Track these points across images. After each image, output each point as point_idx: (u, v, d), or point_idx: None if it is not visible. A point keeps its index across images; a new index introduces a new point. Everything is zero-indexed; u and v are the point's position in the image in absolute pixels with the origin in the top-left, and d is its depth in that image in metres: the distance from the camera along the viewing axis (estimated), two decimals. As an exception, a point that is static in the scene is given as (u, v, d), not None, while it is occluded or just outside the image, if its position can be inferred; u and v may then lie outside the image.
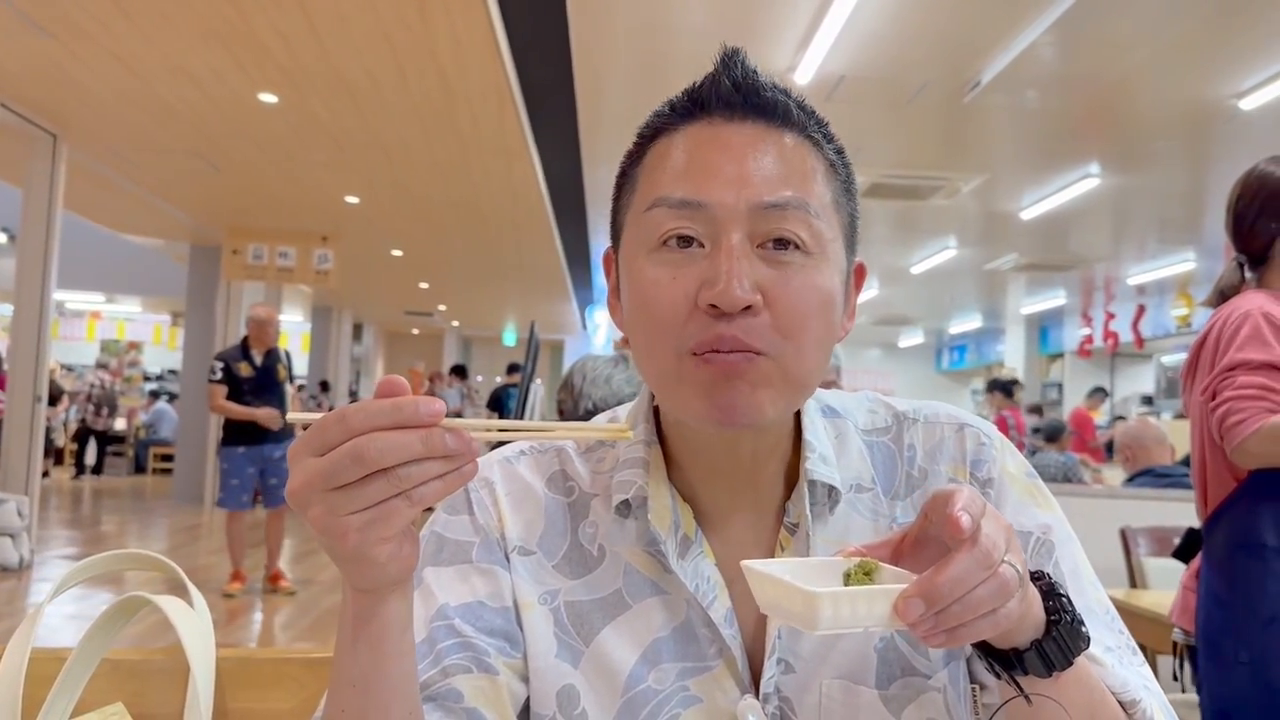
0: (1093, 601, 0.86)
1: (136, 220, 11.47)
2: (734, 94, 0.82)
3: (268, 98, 6.71)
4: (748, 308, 0.77)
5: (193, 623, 1.11)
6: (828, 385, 2.73)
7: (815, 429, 0.90)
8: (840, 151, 0.86)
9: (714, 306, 0.77)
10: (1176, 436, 4.81)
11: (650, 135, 0.86)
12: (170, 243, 12.78)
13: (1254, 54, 5.58)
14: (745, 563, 0.70)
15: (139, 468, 16.13)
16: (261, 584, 6.86)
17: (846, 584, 0.69)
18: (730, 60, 0.84)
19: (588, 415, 2.66)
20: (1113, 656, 0.83)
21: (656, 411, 0.92)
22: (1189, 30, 5.30)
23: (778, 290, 0.79)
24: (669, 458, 0.90)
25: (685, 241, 0.80)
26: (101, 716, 1.11)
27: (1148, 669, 0.87)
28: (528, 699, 0.87)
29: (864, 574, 0.69)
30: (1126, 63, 5.78)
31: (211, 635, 1.18)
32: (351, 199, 9.61)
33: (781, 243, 0.79)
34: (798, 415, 0.90)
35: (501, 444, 0.92)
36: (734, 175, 0.79)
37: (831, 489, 0.87)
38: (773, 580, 0.67)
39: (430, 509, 0.94)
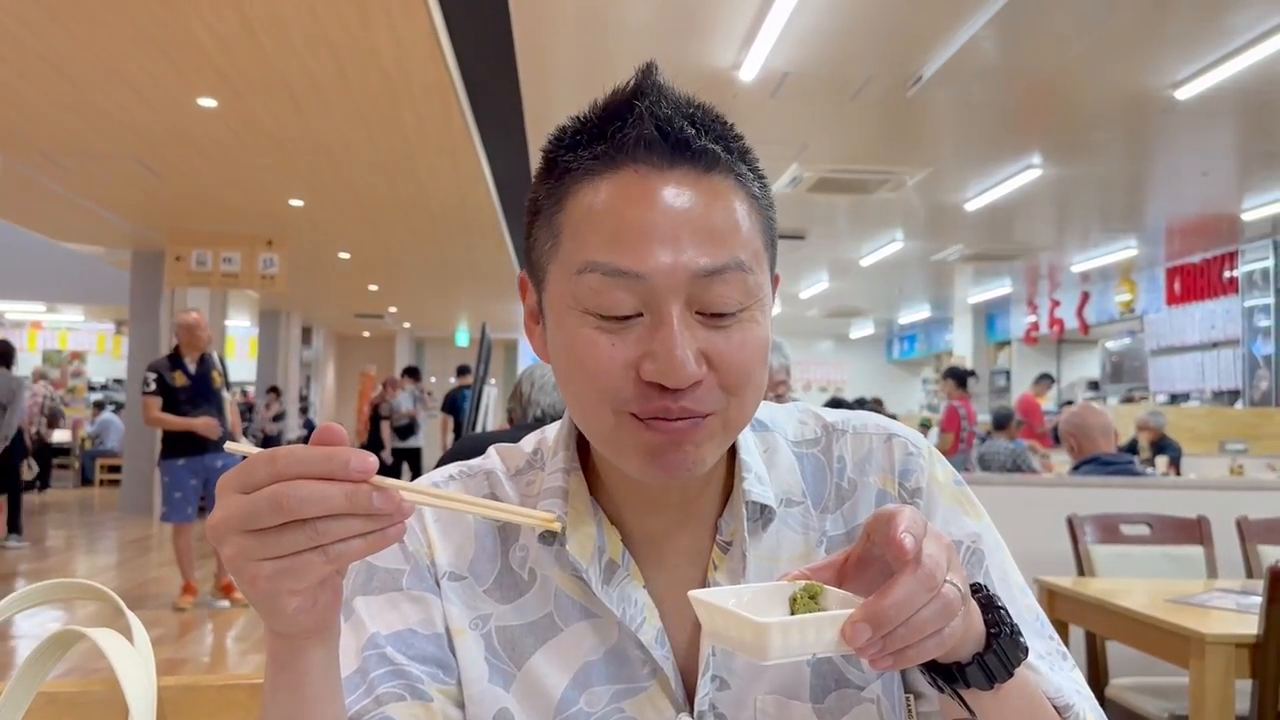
0: (1023, 609, 0.87)
1: (75, 228, 11.24)
2: (661, 142, 0.77)
3: (207, 102, 6.60)
4: (694, 382, 0.76)
5: (129, 659, 1.08)
6: (779, 384, 2.75)
7: (748, 448, 0.90)
8: (761, 177, 0.83)
9: (659, 384, 0.76)
10: (1121, 421, 4.89)
11: (570, 179, 0.80)
12: (111, 250, 12.54)
13: (1188, 45, 5.70)
14: (692, 594, 0.69)
15: (85, 480, 15.82)
16: (212, 593, 6.75)
17: (793, 608, 0.69)
18: (650, 93, 0.78)
19: (537, 422, 2.65)
20: (1045, 663, 0.84)
21: (582, 436, 0.90)
22: (1125, 22, 5.39)
23: (720, 353, 0.77)
24: (597, 480, 0.89)
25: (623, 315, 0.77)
26: (38, 753, 1.08)
27: (1078, 673, 0.88)
28: None
29: (809, 597, 0.69)
30: (1065, 55, 5.87)
31: (152, 667, 1.15)
32: (296, 202, 9.49)
33: (721, 312, 0.77)
34: None
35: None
36: (669, 239, 0.75)
37: (765, 507, 0.87)
38: (721, 611, 0.67)
39: None
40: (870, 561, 0.71)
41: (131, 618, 1.19)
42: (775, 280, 0.87)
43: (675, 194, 0.77)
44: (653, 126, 0.77)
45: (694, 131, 0.78)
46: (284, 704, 0.72)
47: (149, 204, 9.65)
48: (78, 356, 19.86)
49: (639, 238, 0.75)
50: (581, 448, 0.91)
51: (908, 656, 0.66)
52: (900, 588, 0.64)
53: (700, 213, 0.76)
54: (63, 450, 15.60)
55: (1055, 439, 9.92)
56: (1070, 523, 3.46)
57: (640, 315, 0.76)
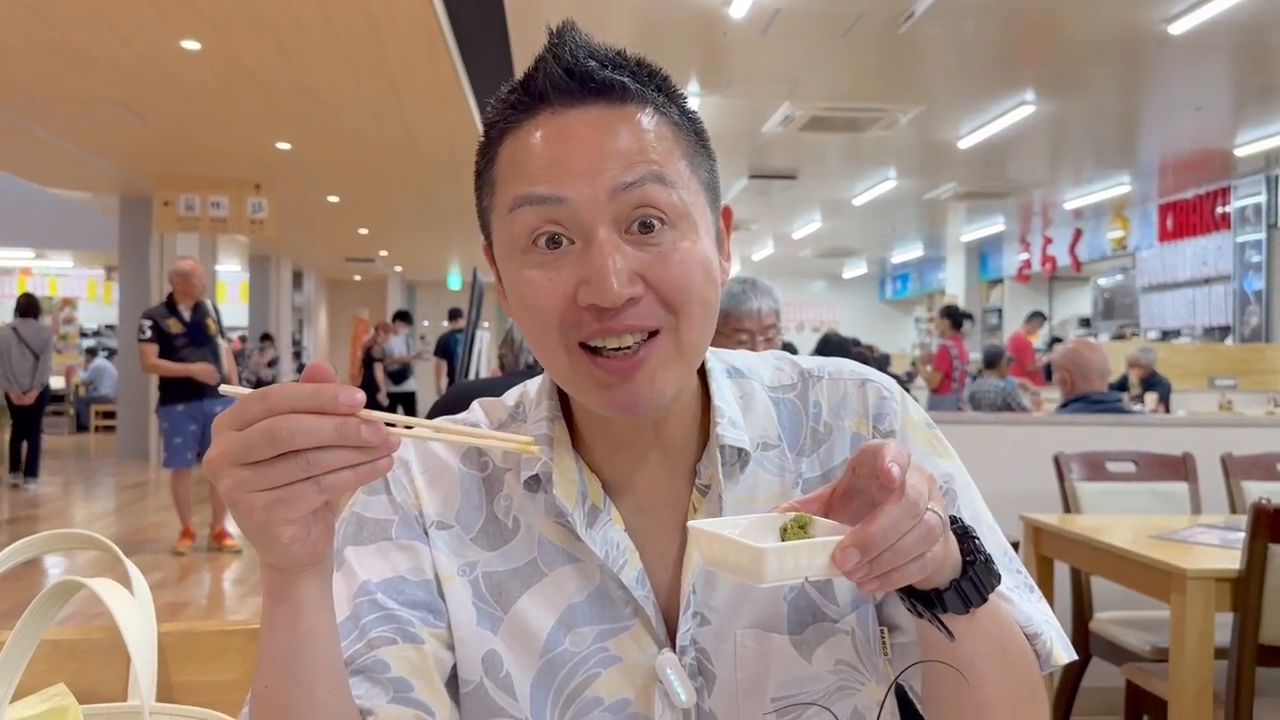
0: (992, 545, 0.90)
1: (62, 173, 11.13)
2: (569, 80, 0.82)
3: (190, 44, 6.50)
4: (630, 299, 0.79)
5: (129, 607, 1.10)
6: (769, 328, 2.76)
7: (723, 393, 0.93)
8: (684, 110, 0.87)
9: (595, 305, 0.79)
10: (1112, 357, 4.92)
11: (498, 136, 0.86)
12: (99, 196, 12.43)
13: (1182, -22, 5.63)
14: (692, 523, 0.74)
15: (80, 426, 15.85)
16: (208, 541, 6.82)
17: (784, 538, 0.73)
18: (558, 42, 0.84)
19: (529, 369, 2.66)
20: (1015, 594, 0.89)
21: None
22: (1119, -44, 5.33)
23: (656, 272, 0.81)
24: (576, 430, 0.93)
25: (554, 242, 0.81)
26: (43, 699, 1.11)
27: (1045, 604, 0.93)
28: (454, 667, 0.90)
29: (799, 527, 0.73)
30: (1058, -10, 5.80)
31: (152, 614, 1.17)
32: (283, 145, 9.39)
33: (647, 226, 0.81)
34: (704, 378, 0.93)
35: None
36: (586, 165, 0.80)
37: (741, 450, 0.91)
38: (720, 539, 0.72)
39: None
40: (855, 494, 0.76)
41: (130, 566, 1.21)
42: (726, 215, 0.91)
43: (590, 125, 0.82)
44: (560, 69, 0.83)
45: (599, 65, 0.83)
46: (280, 636, 0.74)
47: (135, 149, 9.55)
48: (68, 303, 19.79)
49: (559, 167, 0.81)
50: (562, 400, 0.94)
51: (892, 580, 0.70)
52: (886, 515, 0.68)
53: (615, 137, 0.81)
54: (57, 397, 15.62)
55: (1047, 376, 9.98)
56: (1057, 461, 3.50)
57: (572, 244, 0.81)
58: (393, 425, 0.66)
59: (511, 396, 1.00)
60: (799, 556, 0.69)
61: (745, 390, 0.96)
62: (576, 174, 0.80)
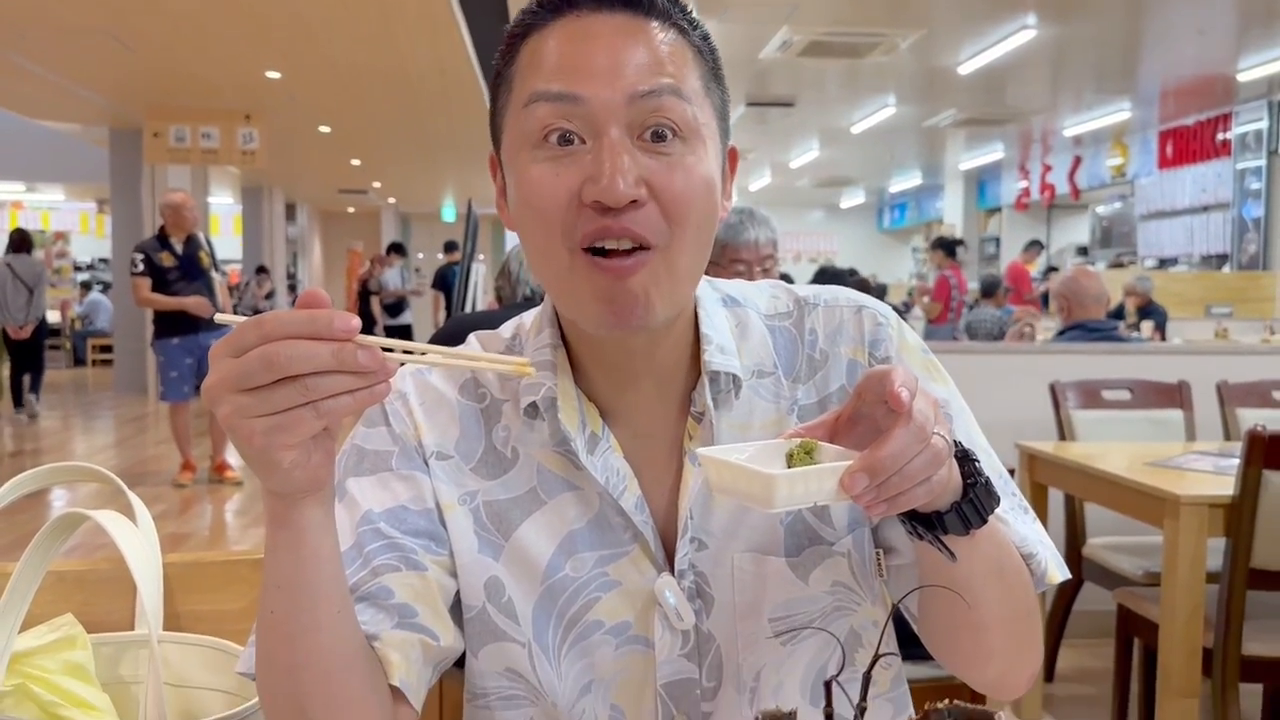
0: (988, 469, 0.91)
1: (51, 105, 10.98)
2: None
3: (176, -30, 6.37)
4: (633, 202, 0.80)
5: (133, 536, 1.11)
6: (765, 258, 2.75)
7: (712, 321, 0.93)
8: (706, 37, 0.88)
9: (599, 203, 0.79)
10: (1109, 286, 4.91)
11: (521, 34, 0.86)
12: (89, 128, 12.27)
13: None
14: (701, 450, 0.75)
15: (78, 360, 15.84)
16: (209, 474, 6.86)
17: (789, 463, 0.74)
18: None
19: (526, 301, 2.65)
20: (1011, 516, 0.91)
21: (559, 316, 0.94)
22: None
23: (662, 180, 0.81)
24: (573, 360, 0.93)
25: (566, 140, 0.81)
26: (52, 628, 1.12)
27: (1039, 525, 0.94)
28: (457, 594, 0.92)
29: (805, 453, 0.74)
30: (1062, -91, 5.67)
31: (156, 544, 1.18)
32: (273, 74, 9.24)
33: (659, 135, 0.81)
34: (695, 308, 0.93)
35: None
36: (607, 67, 0.81)
37: (734, 377, 0.91)
38: (729, 466, 0.72)
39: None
40: (859, 420, 0.76)
41: (133, 498, 1.21)
42: (732, 156, 0.92)
43: (614, 30, 0.83)
44: None
45: None
46: (284, 562, 0.75)
47: (124, 79, 9.40)
48: (61, 236, 19.64)
49: (579, 66, 0.81)
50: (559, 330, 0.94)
51: (899, 503, 0.71)
52: (895, 440, 0.69)
53: (637, 45, 0.82)
54: (53, 331, 15.59)
55: (1044, 305, 9.97)
56: (1053, 389, 3.51)
57: (584, 143, 0.81)
58: (390, 351, 0.66)
59: (508, 329, 1.00)
60: (808, 482, 0.70)
61: (741, 319, 0.96)
62: (595, 75, 0.81)
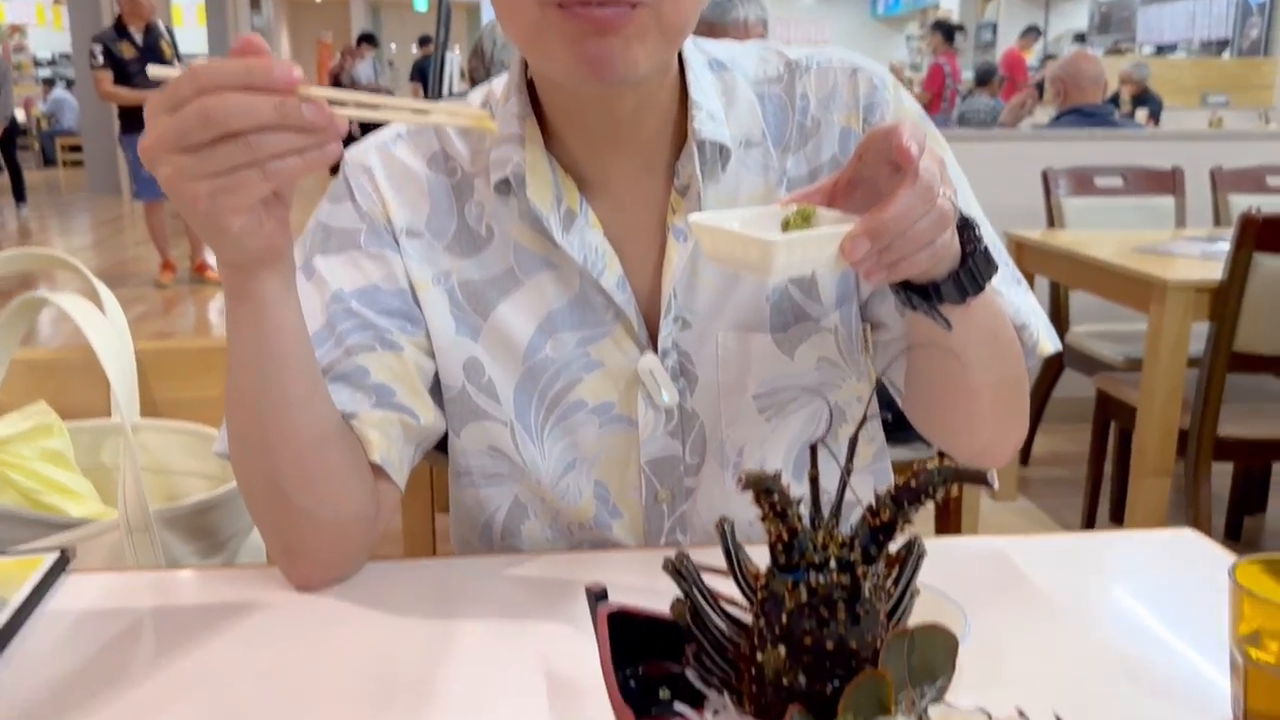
0: (986, 236, 0.88)
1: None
2: None
3: None
4: None
5: (100, 322, 1.08)
6: (756, 39, 2.62)
7: (701, 85, 0.86)
8: None
9: None
10: (1109, 71, 4.76)
11: None
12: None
13: None
14: (693, 216, 0.70)
15: (47, 161, 15.45)
16: (190, 274, 6.80)
17: (785, 230, 0.69)
18: None
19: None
20: (1004, 286, 0.88)
21: (532, 85, 0.87)
22: None
23: None
24: (548, 128, 0.86)
25: None
26: (24, 416, 1.11)
27: (1032, 296, 0.93)
28: (436, 374, 0.90)
29: (803, 219, 0.70)
30: None
31: (126, 332, 1.16)
32: None
33: None
34: (681, 70, 0.86)
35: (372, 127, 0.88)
36: None
37: (722, 147, 0.85)
38: (724, 233, 0.68)
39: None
40: (858, 183, 0.71)
41: (99, 284, 1.18)
42: None
43: None
44: None
45: None
46: (247, 336, 0.73)
47: None
48: (17, 30, 18.77)
49: None
50: (532, 97, 0.87)
51: (900, 269, 0.67)
52: (900, 201, 0.64)
53: None
54: (19, 130, 15.12)
55: (1040, 94, 9.72)
56: (1045, 176, 3.45)
57: None
58: (341, 105, 0.61)
59: (476, 96, 0.94)
60: (808, 248, 0.66)
61: (728, 84, 0.89)
62: None
